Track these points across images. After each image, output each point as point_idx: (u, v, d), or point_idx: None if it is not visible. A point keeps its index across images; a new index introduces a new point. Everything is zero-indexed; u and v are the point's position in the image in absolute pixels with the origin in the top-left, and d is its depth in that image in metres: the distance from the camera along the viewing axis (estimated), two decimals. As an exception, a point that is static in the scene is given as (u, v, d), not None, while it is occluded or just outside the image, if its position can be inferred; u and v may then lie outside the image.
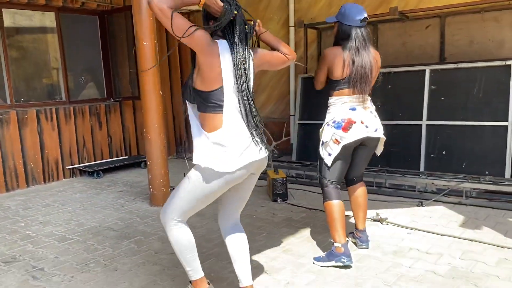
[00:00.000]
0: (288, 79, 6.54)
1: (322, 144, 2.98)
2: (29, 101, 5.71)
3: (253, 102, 2.13)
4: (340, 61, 2.86)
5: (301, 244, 3.28)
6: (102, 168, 5.93)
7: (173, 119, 7.29)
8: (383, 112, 5.25)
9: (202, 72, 2.04)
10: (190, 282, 2.37)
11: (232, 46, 2.05)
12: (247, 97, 2.09)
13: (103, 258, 3.18)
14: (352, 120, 2.87)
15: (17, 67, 5.63)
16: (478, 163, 4.54)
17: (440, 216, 3.75)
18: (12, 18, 5.57)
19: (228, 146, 2.06)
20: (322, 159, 2.99)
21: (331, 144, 2.91)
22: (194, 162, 2.10)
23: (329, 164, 2.93)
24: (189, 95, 2.13)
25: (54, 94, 6.07)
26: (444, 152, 4.77)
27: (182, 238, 2.24)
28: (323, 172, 2.98)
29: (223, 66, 2.03)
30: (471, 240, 3.18)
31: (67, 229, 3.85)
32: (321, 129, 3.03)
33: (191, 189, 2.16)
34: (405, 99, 5.12)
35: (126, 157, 6.60)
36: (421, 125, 4.93)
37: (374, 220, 3.68)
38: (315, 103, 5.76)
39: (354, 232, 3.22)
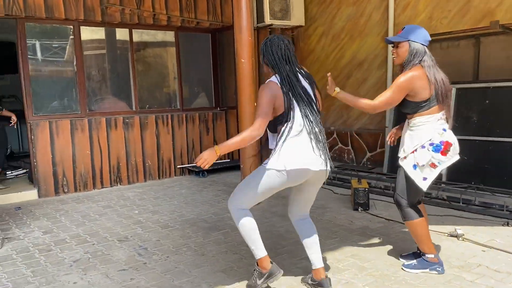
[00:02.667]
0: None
1: (415, 167, 2.90)
2: (149, 108, 6.64)
3: (317, 120, 2.61)
4: (426, 81, 2.86)
5: (370, 251, 3.48)
6: (206, 169, 6.62)
7: (273, 127, 7.76)
8: (479, 128, 5.15)
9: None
10: (257, 263, 2.76)
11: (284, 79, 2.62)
12: (309, 116, 2.59)
13: (194, 244, 3.74)
14: (449, 142, 2.88)
15: (141, 78, 6.60)
16: None
17: (524, 238, 3.64)
18: (140, 36, 6.56)
19: (288, 150, 2.55)
20: (410, 181, 2.93)
21: (427, 168, 2.87)
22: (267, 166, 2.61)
23: (425, 189, 2.92)
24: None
25: (170, 102, 6.96)
26: (544, 172, 4.51)
27: (246, 220, 2.75)
28: (407, 194, 2.97)
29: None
30: (549, 264, 3.09)
31: (170, 218, 4.51)
32: (410, 150, 2.93)
33: (257, 184, 2.64)
34: (503, 115, 4.92)
35: (229, 160, 7.25)
36: (519, 142, 4.72)
37: (451, 236, 3.70)
38: (409, 116, 5.77)
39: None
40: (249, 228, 2.74)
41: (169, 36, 6.81)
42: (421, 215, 2.99)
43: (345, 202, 4.93)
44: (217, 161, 7.06)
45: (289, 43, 2.68)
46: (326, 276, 2.81)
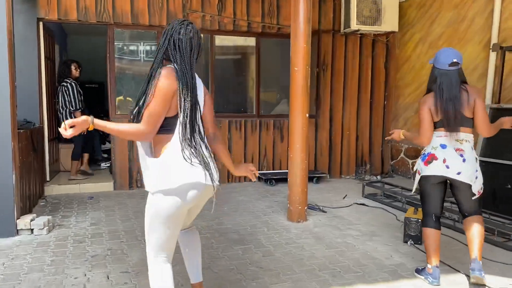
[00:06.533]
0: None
1: (414, 175, 3.36)
2: (224, 113, 6.72)
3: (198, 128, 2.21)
4: (433, 106, 3.07)
5: (387, 294, 3.00)
6: (274, 177, 6.48)
7: (356, 139, 7.28)
8: None
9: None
10: None
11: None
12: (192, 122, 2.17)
13: (208, 256, 3.64)
14: (435, 156, 3.09)
15: (219, 83, 6.72)
16: None
17: None
18: (220, 41, 6.68)
19: (173, 165, 2.13)
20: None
21: (417, 174, 3.25)
22: (147, 189, 2.19)
23: (413, 190, 3.40)
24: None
25: (246, 108, 6.97)
26: None
27: (157, 278, 2.24)
28: (421, 202, 3.30)
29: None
30: None
31: (207, 225, 4.49)
32: None
33: (154, 219, 2.18)
34: None
35: (302, 170, 6.97)
36: None
37: (503, 292, 3.02)
38: (502, 138, 4.87)
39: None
40: None
41: (250, 41, 6.81)
42: (436, 227, 3.17)
43: (399, 231, 4.35)
44: (289, 171, 6.86)
45: (197, 32, 2.25)
46: None
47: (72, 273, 3.27)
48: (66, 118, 6.23)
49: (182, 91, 2.14)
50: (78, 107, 6.17)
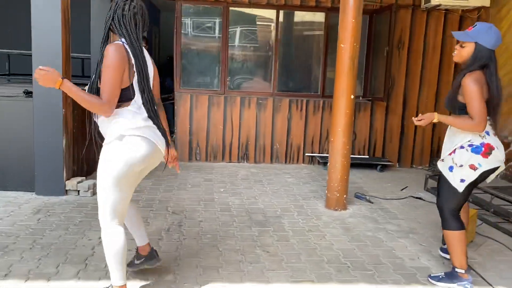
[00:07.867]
0: None
1: (451, 168, 2.78)
2: (286, 91, 6.53)
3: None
4: (485, 87, 2.67)
5: (388, 298, 2.69)
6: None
7: (433, 127, 6.60)
8: None
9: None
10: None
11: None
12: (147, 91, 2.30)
13: (222, 234, 3.60)
14: (491, 145, 2.71)
15: (283, 60, 6.52)
16: None
17: None
18: (287, 17, 6.45)
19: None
20: (448, 184, 2.79)
21: (466, 169, 2.73)
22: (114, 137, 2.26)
23: (460, 190, 2.75)
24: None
25: (310, 87, 6.69)
26: None
27: (118, 240, 2.31)
28: (445, 199, 2.83)
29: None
30: None
31: (240, 204, 4.44)
32: (448, 151, 2.83)
33: (122, 167, 2.23)
34: None
35: (367, 157, 6.55)
36: None
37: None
38: None
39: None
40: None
41: (318, 17, 6.47)
42: (462, 227, 2.79)
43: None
44: (352, 156, 6.50)
45: (142, 7, 2.30)
46: (152, 248, 2.72)
47: (90, 235, 3.46)
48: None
49: (134, 64, 2.22)
50: None
